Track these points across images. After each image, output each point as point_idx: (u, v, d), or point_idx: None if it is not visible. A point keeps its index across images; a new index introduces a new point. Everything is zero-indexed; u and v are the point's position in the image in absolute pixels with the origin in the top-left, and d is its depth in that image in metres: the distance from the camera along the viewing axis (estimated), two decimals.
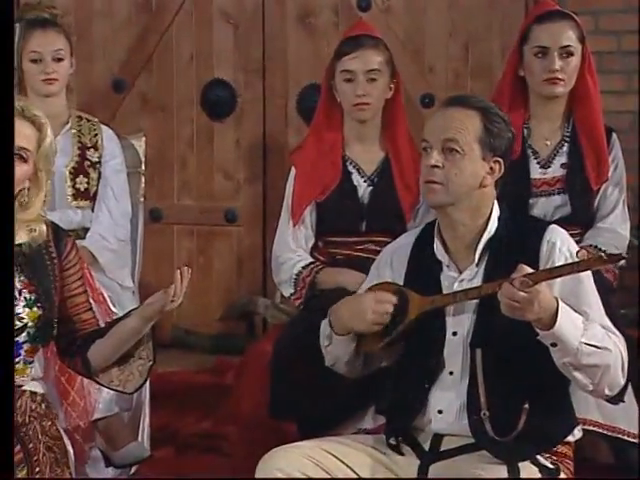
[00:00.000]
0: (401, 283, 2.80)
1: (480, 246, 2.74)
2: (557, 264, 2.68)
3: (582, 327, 2.60)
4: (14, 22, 2.87)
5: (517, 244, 2.73)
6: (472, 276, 2.74)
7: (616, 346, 2.64)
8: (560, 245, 2.71)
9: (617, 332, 2.68)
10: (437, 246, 2.78)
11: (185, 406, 4.32)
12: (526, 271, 2.56)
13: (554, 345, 2.60)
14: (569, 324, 2.58)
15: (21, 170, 2.69)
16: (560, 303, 2.58)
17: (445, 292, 2.74)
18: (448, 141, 2.70)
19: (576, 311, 2.63)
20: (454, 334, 2.73)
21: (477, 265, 2.74)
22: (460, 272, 2.76)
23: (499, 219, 2.77)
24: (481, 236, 2.74)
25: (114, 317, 3.60)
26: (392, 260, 2.86)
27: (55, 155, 2.80)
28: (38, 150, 2.71)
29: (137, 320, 2.73)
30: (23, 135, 2.69)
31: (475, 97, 2.85)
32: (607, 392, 2.68)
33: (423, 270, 2.79)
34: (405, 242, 2.88)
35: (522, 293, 2.53)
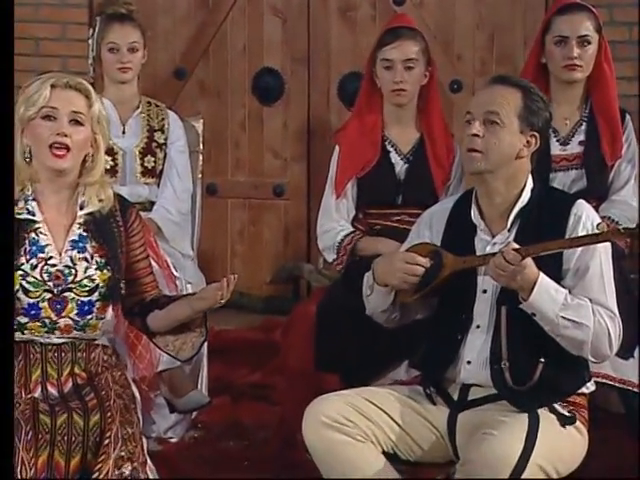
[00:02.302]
0: (438, 243, 2.79)
1: (512, 214, 2.73)
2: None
3: (561, 302, 2.60)
4: (13, 20, 2.85)
5: (547, 214, 2.71)
6: (503, 240, 2.72)
7: (600, 325, 2.63)
8: (585, 219, 2.70)
9: (615, 312, 2.66)
10: (474, 212, 2.76)
11: (238, 359, 4.33)
12: (514, 245, 2.58)
13: (534, 315, 2.62)
14: (546, 298, 2.59)
15: (80, 134, 2.68)
16: (539, 279, 2.58)
17: (478, 253, 2.73)
18: (490, 113, 2.68)
19: (574, 287, 2.63)
20: (484, 292, 2.72)
21: (509, 231, 2.73)
22: (493, 236, 2.75)
23: (532, 190, 2.75)
24: (514, 205, 2.73)
25: (176, 282, 3.64)
26: (431, 222, 2.85)
27: (107, 121, 2.79)
28: (89, 114, 2.70)
29: (189, 310, 2.73)
30: (74, 101, 2.68)
31: (517, 77, 2.84)
32: (592, 359, 2.69)
33: (459, 232, 2.78)
34: (444, 206, 2.87)
35: (510, 266, 2.55)
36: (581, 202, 2.75)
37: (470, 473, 2.53)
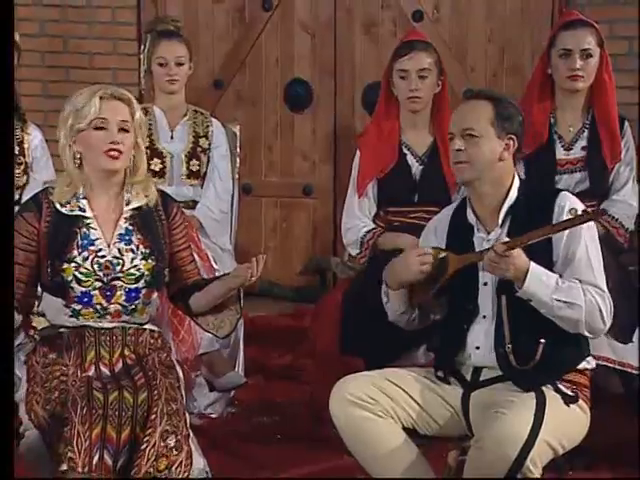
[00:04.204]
0: (443, 246, 2.79)
1: (502, 211, 2.73)
2: None
3: (554, 286, 2.60)
4: (13, 24, 2.85)
5: (534, 208, 2.71)
6: (497, 236, 2.72)
7: (591, 302, 2.62)
8: (568, 208, 2.67)
9: (604, 289, 2.65)
10: (469, 213, 2.77)
11: (272, 343, 4.35)
12: (504, 240, 2.59)
13: (530, 300, 2.62)
14: (538, 284, 2.60)
15: (128, 139, 2.69)
16: (531, 267, 2.59)
17: (476, 250, 2.73)
18: (466, 130, 2.70)
19: (565, 270, 2.63)
20: (485, 284, 2.72)
21: (501, 227, 2.73)
22: (488, 233, 2.75)
23: (519, 189, 2.75)
24: (503, 203, 2.73)
25: (215, 273, 3.66)
26: (436, 228, 2.87)
27: (145, 124, 2.80)
28: (133, 121, 2.70)
29: (223, 288, 2.76)
30: (120, 111, 2.68)
31: (487, 90, 2.87)
32: (588, 335, 2.68)
33: (459, 234, 2.79)
34: (446, 214, 2.88)
35: (501, 257, 2.56)
36: (565, 193, 2.75)
37: (483, 449, 2.53)
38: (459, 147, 2.70)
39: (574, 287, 2.63)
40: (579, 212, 2.57)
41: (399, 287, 2.78)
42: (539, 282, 2.60)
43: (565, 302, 2.61)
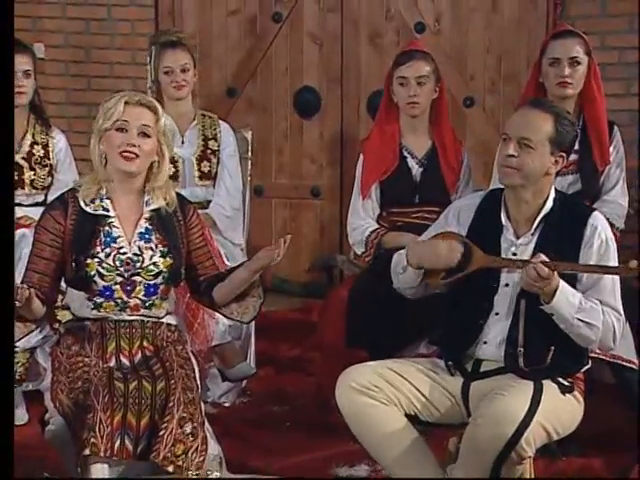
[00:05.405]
0: (464, 234, 2.74)
1: (538, 219, 2.69)
2: (594, 245, 2.66)
3: (577, 306, 2.59)
4: (13, 25, 2.85)
5: (567, 223, 2.68)
6: (527, 242, 2.70)
7: (608, 324, 2.63)
8: (600, 230, 2.68)
9: (621, 313, 2.66)
10: (503, 214, 2.73)
11: (281, 337, 4.34)
12: (543, 258, 2.55)
13: (552, 315, 2.60)
14: (564, 302, 2.58)
15: (148, 144, 2.71)
16: (560, 286, 2.57)
17: (503, 251, 2.70)
18: (524, 139, 2.64)
19: (589, 289, 2.63)
20: (506, 285, 2.70)
21: (532, 234, 2.70)
22: (518, 237, 2.71)
23: (554, 200, 2.72)
24: (539, 211, 2.69)
25: (228, 268, 3.67)
26: (459, 214, 2.80)
27: (172, 133, 2.81)
28: (156, 127, 2.72)
29: (247, 272, 2.76)
30: (143, 116, 2.71)
31: (551, 103, 2.80)
32: (597, 350, 2.70)
33: (486, 229, 2.73)
34: (471, 202, 2.82)
35: (542, 279, 2.53)
36: (597, 214, 2.72)
37: (481, 425, 2.53)
38: (512, 153, 2.63)
39: (595, 309, 2.62)
40: (635, 265, 2.53)
41: (419, 268, 2.74)
42: (565, 301, 2.59)
43: (585, 322, 2.60)
